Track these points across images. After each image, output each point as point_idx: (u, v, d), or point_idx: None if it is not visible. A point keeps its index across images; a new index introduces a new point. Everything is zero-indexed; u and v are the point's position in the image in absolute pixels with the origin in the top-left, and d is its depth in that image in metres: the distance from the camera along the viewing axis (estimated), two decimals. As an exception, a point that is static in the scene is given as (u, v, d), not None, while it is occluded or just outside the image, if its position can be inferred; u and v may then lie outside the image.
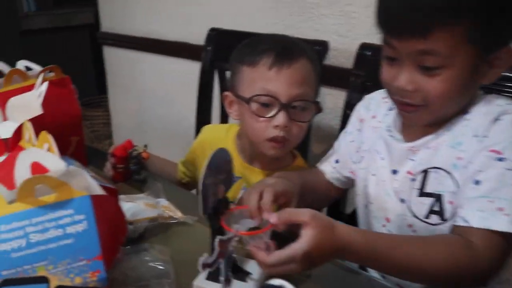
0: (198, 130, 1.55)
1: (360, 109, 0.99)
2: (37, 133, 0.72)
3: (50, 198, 0.53)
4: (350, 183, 1.00)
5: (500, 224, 0.68)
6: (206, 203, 0.68)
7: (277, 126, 0.95)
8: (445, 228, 0.76)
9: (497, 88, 0.87)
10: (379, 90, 0.96)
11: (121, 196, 0.80)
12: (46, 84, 0.88)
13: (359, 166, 0.93)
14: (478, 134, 0.74)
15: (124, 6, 2.22)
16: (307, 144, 1.33)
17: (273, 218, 0.66)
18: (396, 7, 0.72)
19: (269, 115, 0.95)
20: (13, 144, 0.76)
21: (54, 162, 0.56)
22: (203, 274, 0.72)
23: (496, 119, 0.74)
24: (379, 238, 0.69)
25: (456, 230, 0.72)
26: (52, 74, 1.03)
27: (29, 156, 0.56)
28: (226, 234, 0.68)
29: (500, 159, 0.71)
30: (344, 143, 1.00)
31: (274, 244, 0.67)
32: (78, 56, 3.26)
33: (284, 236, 0.71)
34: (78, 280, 0.51)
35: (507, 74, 0.89)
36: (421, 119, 0.78)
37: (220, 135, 1.15)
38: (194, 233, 0.87)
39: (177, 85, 2.07)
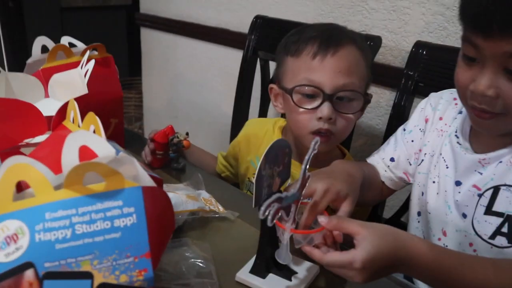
0: (235, 120, 1.51)
1: (426, 108, 0.90)
2: (80, 112, 0.68)
3: (99, 187, 0.49)
4: (402, 184, 0.93)
5: None
6: (259, 195, 0.63)
7: (321, 118, 0.89)
8: None
9: None
10: (449, 89, 0.88)
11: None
12: (92, 62, 0.84)
13: (418, 170, 0.86)
14: None
15: (165, -12, 2.18)
16: (349, 142, 1.28)
17: (322, 221, 0.61)
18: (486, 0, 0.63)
19: (313, 106, 0.90)
20: (57, 122, 0.72)
21: (104, 147, 0.52)
22: (247, 267, 0.69)
23: None
24: (447, 253, 0.63)
25: None
26: (95, 53, 1.00)
27: (78, 139, 0.52)
28: (277, 230, 0.65)
29: None
30: (402, 142, 0.92)
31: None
32: (114, 36, 3.25)
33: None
34: (123, 278, 0.47)
35: None
36: (498, 128, 0.71)
37: (267, 129, 1.10)
38: (234, 230, 0.83)
39: (214, 72, 2.03)
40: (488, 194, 0.72)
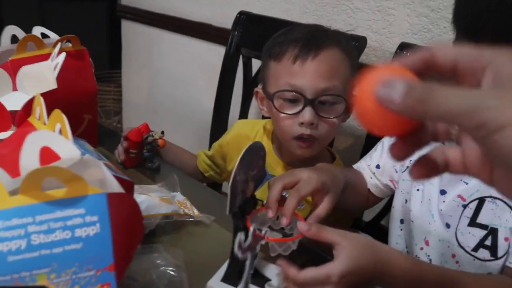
0: (215, 116, 1.48)
1: None
2: (48, 108, 0.64)
3: (59, 193, 0.45)
4: (388, 192, 0.91)
5: None
6: (233, 202, 0.60)
7: (303, 123, 0.87)
8: (495, 266, 0.67)
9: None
10: None
11: (134, 187, 0.73)
12: (63, 55, 0.80)
13: (402, 177, 0.84)
14: None
15: (148, -21, 2.13)
16: (330, 144, 1.26)
17: (302, 228, 0.58)
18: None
19: (294, 111, 0.88)
20: (21, 119, 0.68)
21: (68, 149, 0.48)
22: (218, 275, 0.66)
23: None
24: (429, 269, 0.60)
25: (510, 272, 0.63)
26: (69, 45, 0.95)
27: (38, 140, 0.48)
28: (250, 236, 0.62)
29: None
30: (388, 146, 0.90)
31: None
32: (94, 28, 3.16)
33: (317, 252, 0.63)
34: (83, 293, 0.43)
35: None
36: None
37: (258, 130, 1.08)
38: (209, 234, 0.79)
39: (195, 67, 1.99)
40: (473, 205, 0.70)
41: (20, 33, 0.92)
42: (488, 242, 0.68)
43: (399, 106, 0.29)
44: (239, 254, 0.63)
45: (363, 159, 0.94)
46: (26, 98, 0.71)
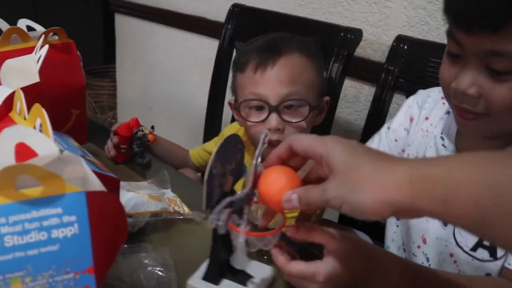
0: (209, 111, 1.45)
1: (412, 105, 0.86)
2: (32, 102, 0.61)
3: (35, 192, 0.42)
4: None
5: None
6: (210, 196, 0.58)
7: (270, 130, 0.90)
8: (494, 266, 0.65)
9: None
10: (438, 87, 0.83)
11: (122, 184, 0.70)
12: (46, 47, 0.77)
13: None
14: None
15: (141, -28, 2.10)
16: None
17: (290, 230, 0.56)
18: None
19: (260, 119, 0.91)
20: (2, 114, 0.65)
21: (45, 145, 0.46)
22: (199, 274, 0.64)
23: None
24: (423, 274, 0.58)
25: (508, 274, 0.61)
26: (55, 38, 0.92)
27: (14, 135, 0.45)
28: (231, 232, 0.59)
29: None
30: (386, 141, 0.88)
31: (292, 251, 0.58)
32: (89, 22, 3.13)
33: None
34: (61, 297, 0.41)
35: None
36: (481, 131, 0.66)
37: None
38: (200, 232, 0.77)
39: (190, 62, 1.96)
40: None
41: (4, 26, 0.90)
42: (486, 242, 0.66)
43: (298, 208, 0.52)
44: (219, 252, 0.61)
45: None
46: (8, 93, 0.69)
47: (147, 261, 0.64)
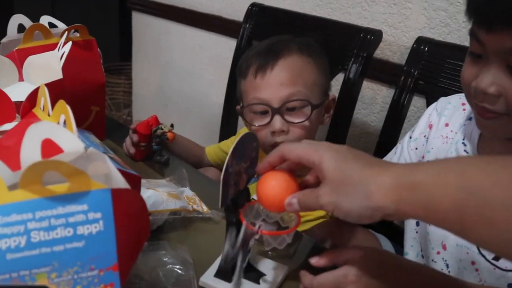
0: (225, 111, 1.45)
1: (432, 113, 0.86)
2: (54, 99, 0.62)
3: (61, 188, 0.42)
4: None
5: None
6: (226, 195, 0.58)
7: (274, 132, 0.91)
8: None
9: None
10: (459, 94, 0.83)
11: (141, 181, 0.70)
12: (69, 44, 0.77)
13: None
14: None
15: (159, -29, 2.10)
16: (343, 139, 1.23)
17: (312, 261, 0.59)
18: None
19: (264, 122, 0.92)
20: (26, 109, 0.66)
21: (71, 141, 0.46)
22: (211, 271, 0.65)
23: None
24: (443, 276, 0.58)
25: None
26: (77, 35, 0.93)
27: (41, 131, 0.45)
28: (244, 230, 0.61)
29: None
30: (407, 150, 0.88)
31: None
32: (106, 20, 3.15)
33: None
34: (85, 294, 0.41)
35: None
36: (501, 131, 0.66)
37: None
38: (219, 231, 0.76)
39: (205, 60, 1.96)
40: None
41: (27, 22, 0.90)
42: None
43: (299, 211, 0.55)
44: (230, 250, 0.62)
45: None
46: (32, 88, 0.69)
47: (166, 259, 0.64)
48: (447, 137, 0.79)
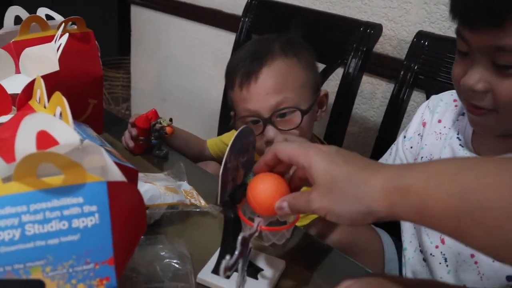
0: (224, 105, 1.45)
1: (424, 111, 0.87)
2: (50, 91, 0.61)
3: (56, 180, 0.42)
4: None
5: None
6: (224, 191, 0.58)
7: (268, 142, 0.90)
8: None
9: None
10: (450, 91, 0.83)
11: (139, 175, 0.70)
12: (66, 36, 0.76)
13: None
14: None
15: (158, -36, 2.09)
16: (342, 136, 1.23)
17: None
18: None
19: (257, 132, 0.91)
20: (22, 102, 0.65)
21: (67, 133, 0.45)
22: (208, 267, 0.64)
23: None
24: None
25: None
26: (74, 27, 0.92)
27: (36, 123, 0.44)
28: (242, 225, 0.60)
29: None
30: (402, 150, 0.88)
31: None
32: (104, 13, 3.13)
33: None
34: (81, 288, 0.40)
35: None
36: (491, 127, 0.67)
37: None
38: (216, 226, 0.76)
39: (205, 55, 1.95)
40: None
41: (24, 14, 0.89)
42: None
43: (290, 214, 0.55)
44: (228, 246, 0.61)
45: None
46: (29, 80, 0.69)
47: (163, 253, 0.63)
48: (440, 133, 0.80)
